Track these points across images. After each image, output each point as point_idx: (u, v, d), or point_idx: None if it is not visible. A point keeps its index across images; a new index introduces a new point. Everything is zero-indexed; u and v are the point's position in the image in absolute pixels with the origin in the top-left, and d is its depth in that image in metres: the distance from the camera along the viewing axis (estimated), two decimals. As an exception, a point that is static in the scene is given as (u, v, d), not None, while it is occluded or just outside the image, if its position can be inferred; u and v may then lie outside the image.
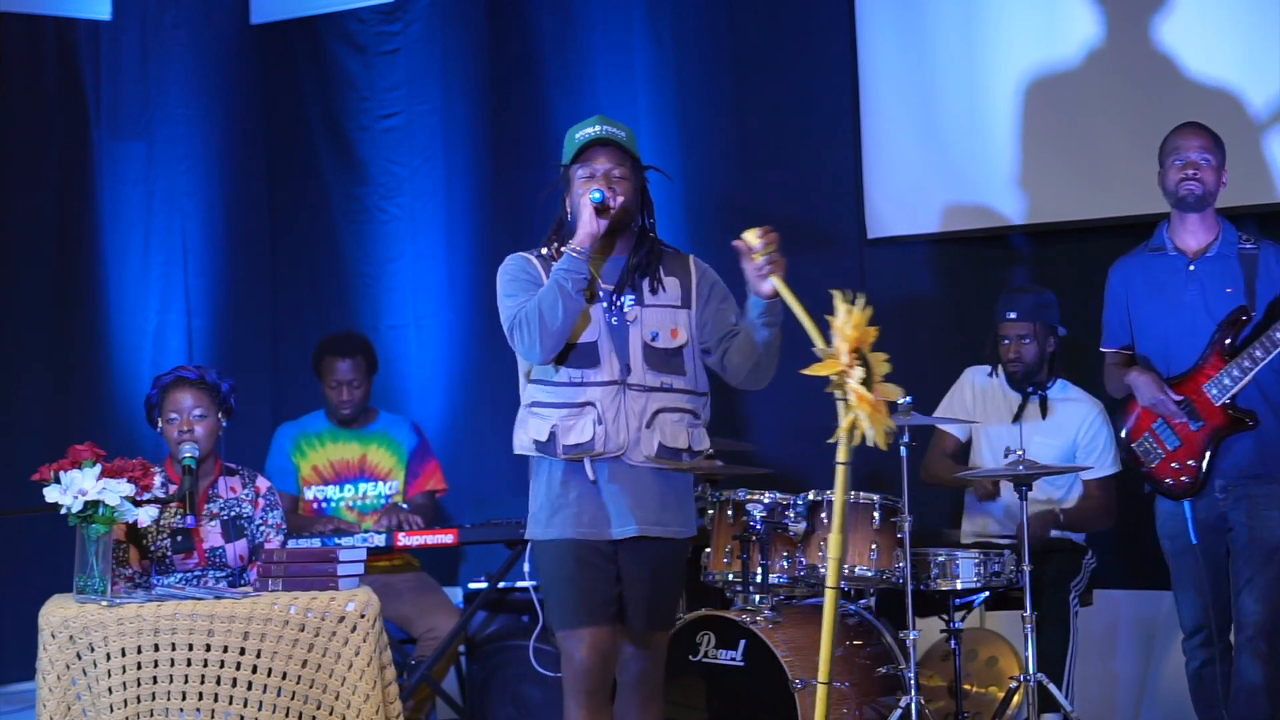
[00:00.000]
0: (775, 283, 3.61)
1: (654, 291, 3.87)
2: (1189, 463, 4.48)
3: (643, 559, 3.84)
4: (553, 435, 3.80)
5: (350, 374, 5.62)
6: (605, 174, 3.84)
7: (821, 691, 3.29)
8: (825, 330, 3.24)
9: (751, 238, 3.62)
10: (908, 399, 4.69)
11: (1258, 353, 4.33)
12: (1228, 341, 4.39)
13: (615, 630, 3.86)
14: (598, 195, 3.76)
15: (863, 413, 3.15)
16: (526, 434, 3.87)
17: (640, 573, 3.84)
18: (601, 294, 3.86)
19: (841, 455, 3.23)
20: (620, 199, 3.81)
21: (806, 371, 3.22)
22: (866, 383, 3.14)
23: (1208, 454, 4.44)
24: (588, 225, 3.77)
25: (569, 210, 3.91)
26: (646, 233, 3.94)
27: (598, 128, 3.87)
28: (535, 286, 3.86)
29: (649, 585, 3.85)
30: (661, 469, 3.83)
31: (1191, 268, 4.49)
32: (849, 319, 3.13)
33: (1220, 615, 4.51)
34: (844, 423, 3.20)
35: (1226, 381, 4.38)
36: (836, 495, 3.25)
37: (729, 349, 3.88)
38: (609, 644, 3.84)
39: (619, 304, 3.86)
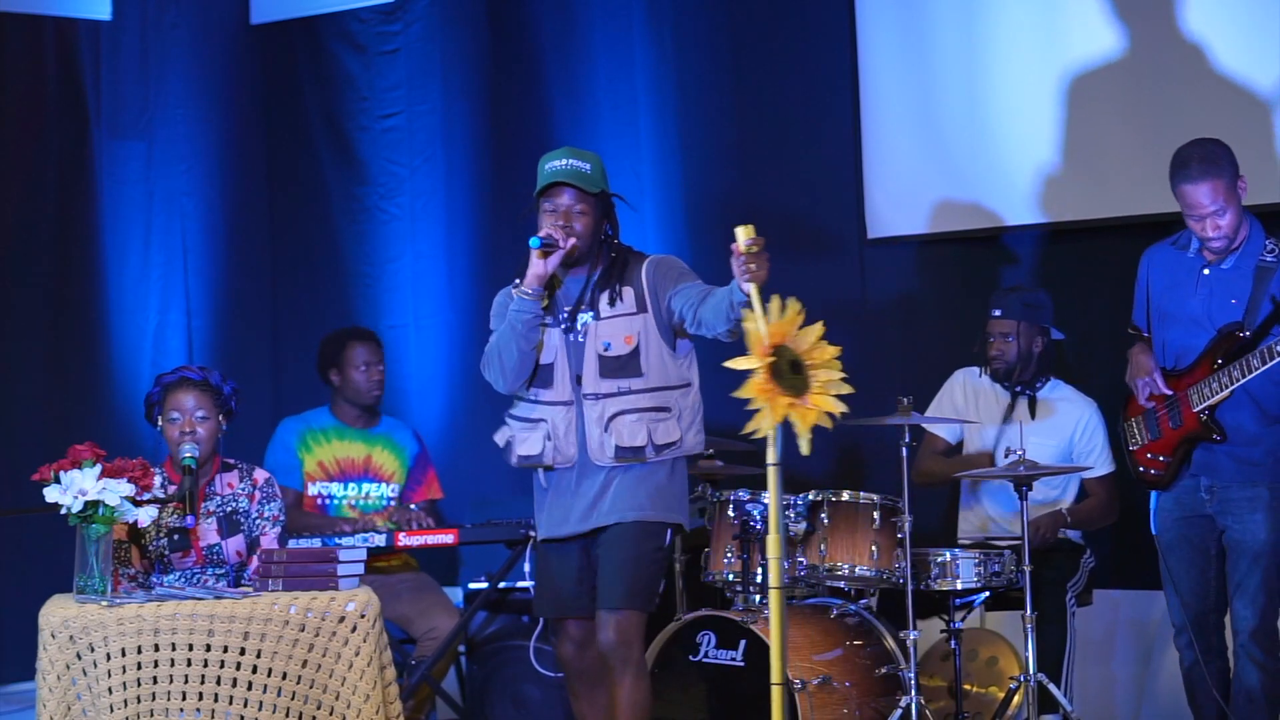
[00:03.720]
0: (751, 290, 3.54)
1: (612, 304, 4.17)
2: (1160, 457, 4.52)
3: (605, 544, 4.16)
4: (509, 445, 4.27)
5: (374, 355, 5.69)
6: (566, 210, 4.12)
7: (776, 693, 3.30)
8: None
9: (741, 238, 3.57)
10: (907, 398, 4.69)
11: (1235, 373, 4.30)
12: (1219, 360, 4.38)
13: (582, 623, 4.23)
14: (535, 241, 4.07)
15: (761, 404, 3.20)
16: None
17: (603, 557, 4.16)
18: (562, 317, 4.19)
19: (770, 456, 3.28)
20: (572, 240, 4.10)
21: (729, 364, 3.28)
22: (785, 383, 3.26)
23: (1176, 455, 4.47)
24: (533, 267, 4.10)
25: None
26: (608, 250, 4.20)
27: (564, 162, 4.12)
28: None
29: (608, 566, 4.13)
30: (628, 465, 4.14)
31: (1206, 272, 4.45)
32: (778, 319, 3.26)
33: (1205, 615, 4.51)
34: (755, 419, 3.29)
35: (1206, 392, 4.38)
36: (770, 497, 3.30)
37: (700, 307, 4.04)
38: (582, 633, 4.23)
39: (578, 322, 4.18)
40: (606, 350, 4.15)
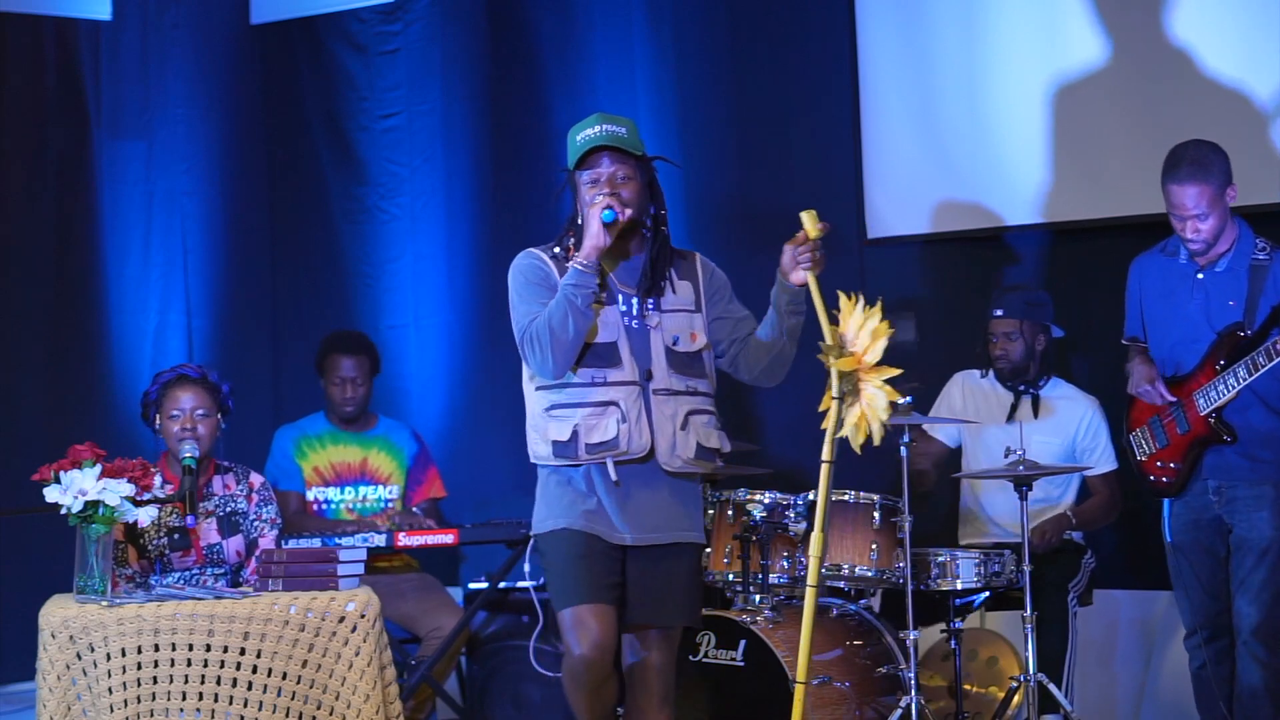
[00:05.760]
0: (809, 278, 3.65)
1: (663, 293, 3.86)
2: (1170, 464, 4.51)
3: (651, 558, 3.85)
4: (575, 434, 3.77)
5: (354, 372, 5.64)
6: (610, 177, 3.79)
7: (799, 692, 3.32)
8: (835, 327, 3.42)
9: (810, 224, 3.63)
10: (908, 399, 4.69)
11: (1241, 372, 4.31)
12: (1221, 361, 4.38)
13: (615, 614, 3.82)
14: (609, 215, 3.72)
15: (871, 387, 3.26)
16: (545, 438, 3.83)
17: (648, 570, 3.85)
18: (620, 296, 3.84)
19: (826, 454, 3.32)
20: (628, 211, 3.77)
21: (820, 358, 3.33)
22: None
23: (1187, 459, 4.47)
24: (595, 239, 3.73)
25: (580, 213, 3.86)
26: (659, 229, 3.90)
27: (598, 128, 3.81)
28: (547, 289, 3.83)
29: (658, 581, 3.84)
30: (678, 478, 3.85)
31: (1200, 276, 4.48)
32: (862, 316, 3.35)
33: (1217, 616, 4.52)
34: (830, 417, 3.39)
35: (1213, 394, 4.39)
36: (820, 493, 3.32)
37: (743, 348, 3.90)
38: (611, 624, 3.80)
39: (637, 307, 3.85)
40: (675, 344, 3.83)
